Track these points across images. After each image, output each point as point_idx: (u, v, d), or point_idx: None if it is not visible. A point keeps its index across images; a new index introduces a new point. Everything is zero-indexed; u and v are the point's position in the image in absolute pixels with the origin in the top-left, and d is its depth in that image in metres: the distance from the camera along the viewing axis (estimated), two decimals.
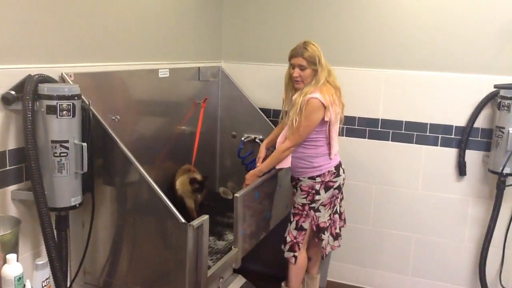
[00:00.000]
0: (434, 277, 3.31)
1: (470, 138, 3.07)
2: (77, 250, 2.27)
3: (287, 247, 2.75)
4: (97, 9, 2.38)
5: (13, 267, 1.60)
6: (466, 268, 3.23)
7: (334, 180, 2.67)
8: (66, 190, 1.97)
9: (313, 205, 2.67)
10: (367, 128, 3.30)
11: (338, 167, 2.70)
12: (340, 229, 2.86)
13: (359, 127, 3.32)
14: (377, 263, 3.44)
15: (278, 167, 2.71)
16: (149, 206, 2.16)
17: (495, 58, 2.96)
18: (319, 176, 2.64)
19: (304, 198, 2.68)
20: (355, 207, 3.37)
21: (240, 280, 2.65)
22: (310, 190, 2.66)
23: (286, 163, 2.69)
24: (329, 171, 2.66)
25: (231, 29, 3.56)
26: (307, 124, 2.54)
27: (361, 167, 3.34)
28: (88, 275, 2.33)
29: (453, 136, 3.12)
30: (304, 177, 2.68)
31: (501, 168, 2.84)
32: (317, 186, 2.65)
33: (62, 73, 2.14)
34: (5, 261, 1.61)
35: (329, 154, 2.65)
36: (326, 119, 2.54)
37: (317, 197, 2.65)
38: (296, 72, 2.60)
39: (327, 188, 2.66)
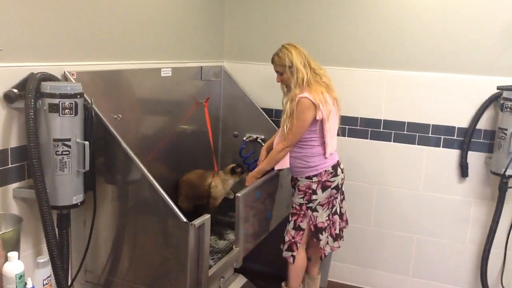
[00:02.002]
0: (435, 278, 3.31)
1: (472, 140, 3.06)
2: (78, 248, 2.27)
3: (285, 246, 2.75)
4: (100, 8, 2.38)
5: (15, 265, 1.60)
6: (467, 269, 3.22)
7: (331, 180, 2.67)
8: (68, 188, 1.97)
9: (310, 205, 2.66)
10: (369, 129, 3.30)
11: (335, 166, 2.70)
12: (341, 230, 2.85)
13: (361, 128, 3.32)
14: (378, 264, 3.44)
15: (276, 168, 2.72)
16: (150, 205, 2.15)
17: (498, 59, 2.95)
18: (315, 175, 2.64)
19: (301, 198, 2.68)
20: (357, 208, 3.37)
21: (241, 279, 2.65)
22: (307, 190, 2.66)
23: (285, 164, 2.69)
24: (325, 170, 2.65)
25: (234, 29, 3.56)
26: (299, 124, 2.55)
27: (362, 167, 3.34)
28: (89, 273, 2.33)
29: (455, 137, 3.11)
30: (301, 177, 2.68)
31: (503, 169, 2.83)
32: (314, 186, 2.65)
33: (64, 71, 2.14)
34: (6, 259, 1.61)
35: (324, 153, 2.64)
36: (317, 117, 2.54)
37: (314, 197, 2.65)
38: (277, 78, 2.73)
39: (324, 188, 2.65)
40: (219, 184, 2.89)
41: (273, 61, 2.70)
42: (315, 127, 2.58)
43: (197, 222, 2.05)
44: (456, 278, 3.25)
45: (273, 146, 2.73)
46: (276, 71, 2.71)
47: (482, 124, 3.04)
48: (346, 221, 2.90)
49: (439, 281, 3.30)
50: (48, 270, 1.73)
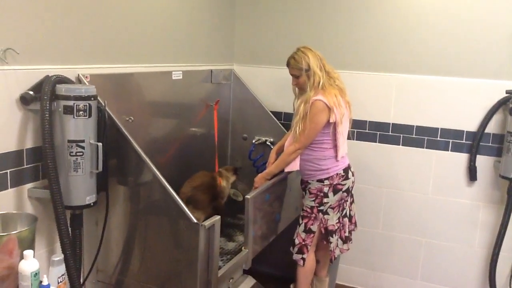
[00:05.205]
0: (443, 281, 3.30)
1: (481, 143, 3.06)
2: (90, 248, 2.31)
3: (296, 249, 2.75)
4: (113, 12, 2.43)
5: (30, 263, 1.62)
6: (476, 273, 3.22)
7: (342, 183, 2.68)
8: (81, 189, 2.00)
9: (321, 207, 2.67)
10: (378, 132, 3.31)
11: (346, 170, 2.71)
12: (350, 233, 2.86)
13: (370, 131, 3.33)
14: (386, 267, 3.44)
15: (286, 170, 2.73)
16: (161, 206, 2.19)
17: (507, 63, 2.95)
18: (327, 179, 2.65)
19: (312, 200, 2.69)
20: (365, 211, 3.38)
21: (250, 281, 2.67)
22: (318, 193, 2.67)
23: (295, 166, 2.70)
24: (337, 173, 2.66)
25: (244, 33, 3.60)
26: (312, 126, 2.56)
27: (371, 171, 3.35)
28: (100, 273, 2.36)
29: (464, 141, 3.11)
30: (312, 180, 2.68)
31: None
32: (326, 189, 2.65)
33: (78, 74, 2.19)
34: (22, 257, 1.64)
35: (336, 156, 2.65)
36: (331, 120, 2.55)
37: (325, 200, 2.66)
38: (293, 81, 2.72)
39: (335, 191, 2.66)
40: (225, 183, 2.93)
41: (288, 64, 2.69)
42: (328, 129, 2.59)
43: (207, 223, 2.09)
44: (464, 281, 3.25)
45: (284, 148, 2.73)
46: (292, 74, 2.70)
47: (491, 128, 3.04)
48: (355, 223, 2.91)
49: (447, 285, 3.30)
50: (62, 268, 1.75)
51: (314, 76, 2.58)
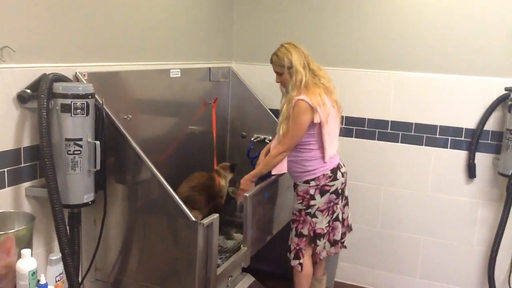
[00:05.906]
0: (442, 279, 3.31)
1: (480, 141, 3.06)
2: (88, 247, 2.30)
3: (292, 255, 2.67)
4: (111, 10, 2.42)
5: (28, 261, 1.62)
6: (475, 271, 3.22)
7: (330, 184, 2.57)
8: (79, 187, 2.00)
9: (309, 210, 2.57)
10: (377, 130, 3.31)
11: (335, 170, 2.60)
12: (341, 236, 2.75)
13: (369, 129, 3.32)
14: (385, 265, 3.44)
15: (273, 172, 2.64)
16: (160, 204, 2.18)
17: (506, 60, 2.95)
18: (313, 180, 2.55)
19: (300, 203, 2.60)
20: (364, 209, 3.38)
21: (249, 279, 2.66)
22: (305, 195, 2.58)
23: (282, 169, 2.61)
24: (324, 174, 2.56)
25: (242, 30, 3.59)
26: (296, 127, 2.47)
27: (370, 168, 3.35)
28: (99, 271, 2.36)
29: (463, 139, 3.11)
30: (300, 182, 2.60)
31: (511, 171, 2.83)
32: (312, 191, 2.56)
33: (76, 72, 2.18)
34: (19, 256, 1.64)
35: (323, 157, 2.55)
36: (315, 121, 2.46)
37: (312, 203, 2.56)
38: (276, 78, 2.63)
39: (322, 193, 2.56)
40: (224, 182, 2.93)
41: (271, 61, 2.60)
42: (313, 130, 2.50)
43: (205, 221, 2.08)
44: (463, 279, 3.25)
45: (270, 150, 2.65)
46: (275, 72, 2.61)
47: (490, 125, 3.04)
48: (348, 226, 2.81)
49: (446, 283, 3.30)
50: (60, 267, 1.75)
51: (297, 74, 2.48)
